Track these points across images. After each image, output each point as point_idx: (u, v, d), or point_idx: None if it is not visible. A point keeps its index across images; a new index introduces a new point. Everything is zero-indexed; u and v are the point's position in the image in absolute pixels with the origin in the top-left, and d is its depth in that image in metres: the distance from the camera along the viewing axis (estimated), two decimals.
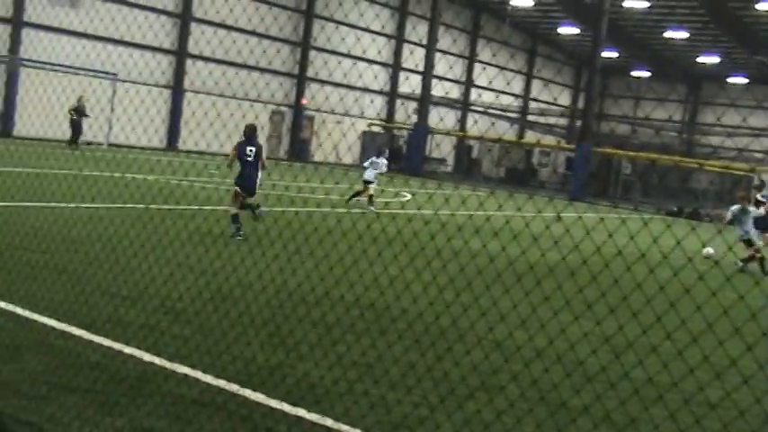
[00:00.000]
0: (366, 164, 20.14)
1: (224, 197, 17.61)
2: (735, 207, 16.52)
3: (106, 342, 6.25)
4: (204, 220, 12.87)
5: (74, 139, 29.64)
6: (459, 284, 7.53)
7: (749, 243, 16.22)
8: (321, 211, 15.96)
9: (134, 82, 34.49)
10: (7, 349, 5.83)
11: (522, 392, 5.95)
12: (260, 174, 13.40)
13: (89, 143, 30.25)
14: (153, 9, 37.18)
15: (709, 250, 16.25)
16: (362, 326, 7.29)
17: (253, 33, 37.94)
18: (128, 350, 6.12)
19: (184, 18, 39.36)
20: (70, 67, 31.56)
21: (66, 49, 31.53)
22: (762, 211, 18.22)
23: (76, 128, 30.17)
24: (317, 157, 44.58)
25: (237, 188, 12.97)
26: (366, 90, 46.97)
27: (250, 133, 13.32)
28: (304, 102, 45.05)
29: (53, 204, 12.95)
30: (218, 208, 14.88)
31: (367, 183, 19.24)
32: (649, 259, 6.27)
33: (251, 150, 13.12)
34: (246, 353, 6.27)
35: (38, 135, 29.16)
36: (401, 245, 9.37)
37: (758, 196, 20.63)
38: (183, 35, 39.50)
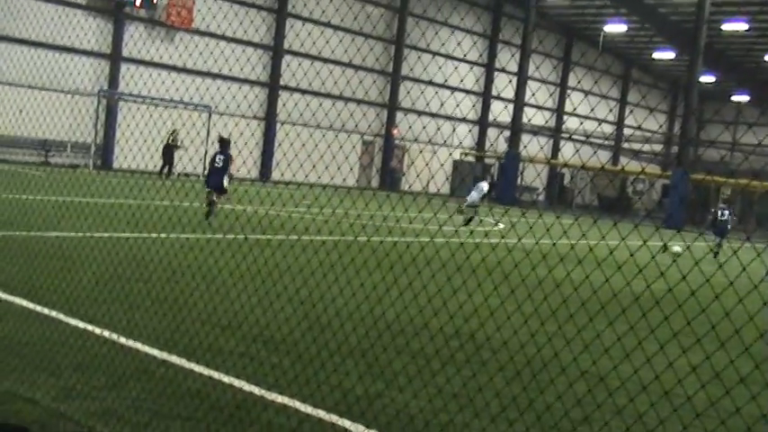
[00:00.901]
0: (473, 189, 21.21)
1: (321, 228, 17.74)
2: None
3: (205, 371, 6.27)
4: (303, 250, 12.96)
5: (164, 170, 30.36)
6: (562, 316, 7.32)
7: None
8: (419, 241, 15.89)
9: (228, 114, 35.31)
10: (111, 377, 5.90)
11: (627, 428, 5.70)
12: (226, 177, 16.81)
13: (186, 174, 31.04)
14: (247, 42, 38.10)
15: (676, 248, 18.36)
16: (462, 357, 7.15)
17: (345, 64, 38.43)
18: (226, 379, 6.13)
19: (277, 51, 40.21)
20: (167, 100, 32.57)
21: (163, 82, 32.57)
22: None
23: (169, 159, 30.92)
24: (409, 187, 44.69)
25: (206, 187, 16.60)
26: (457, 119, 46.97)
27: (222, 145, 17.06)
28: (394, 131, 45.30)
29: (153, 235, 13.25)
30: (315, 238, 14.98)
31: (471, 206, 20.44)
32: (763, 291, 5.96)
33: (220, 158, 16.86)
34: (345, 383, 6.21)
35: (136, 167, 30.07)
36: (501, 275, 9.19)
37: None
38: (276, 67, 40.33)
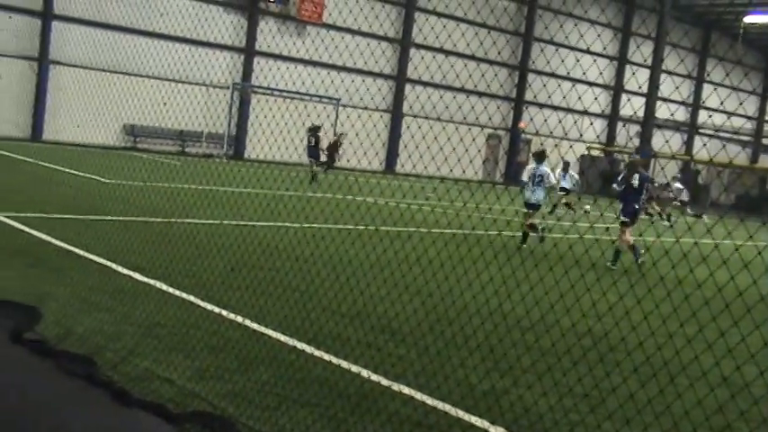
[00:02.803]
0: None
1: (439, 219, 17.70)
2: None
3: (333, 359, 6.35)
4: (420, 240, 12.96)
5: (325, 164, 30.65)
6: (684, 315, 7.03)
7: None
8: (536, 235, 15.62)
9: (356, 107, 35.70)
10: (242, 361, 6.06)
11: (750, 431, 5.43)
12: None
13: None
14: (374, 36, 38.41)
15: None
16: (579, 353, 6.99)
17: (471, 57, 38.16)
18: (346, 365, 6.19)
19: (404, 44, 40.37)
20: (296, 92, 33.22)
21: (292, 75, 33.26)
22: None
23: (331, 156, 31.34)
24: None
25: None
26: (585, 113, 45.94)
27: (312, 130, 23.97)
28: (521, 125, 44.76)
29: (280, 224, 13.54)
30: (433, 231, 14.95)
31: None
32: None
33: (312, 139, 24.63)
34: (471, 378, 6.16)
35: (266, 158, 30.82)
36: (621, 271, 8.90)
37: None
38: (403, 60, 40.50)
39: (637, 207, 14.25)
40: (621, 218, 14.10)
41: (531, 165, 15.78)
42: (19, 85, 30.51)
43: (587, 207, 25.28)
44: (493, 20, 40.34)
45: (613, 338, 7.23)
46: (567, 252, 10.34)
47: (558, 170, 19.49)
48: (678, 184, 29.73)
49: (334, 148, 31.08)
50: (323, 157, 27.82)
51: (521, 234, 15.68)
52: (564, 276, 6.89)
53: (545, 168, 15.39)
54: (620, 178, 14.76)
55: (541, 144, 16.77)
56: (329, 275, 9.44)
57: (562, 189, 24.21)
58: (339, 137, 31.23)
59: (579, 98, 42.10)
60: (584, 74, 41.88)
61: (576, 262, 7.62)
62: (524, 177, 15.50)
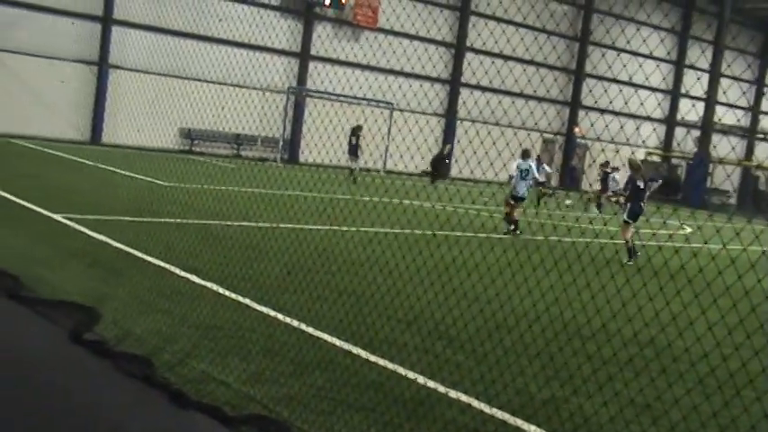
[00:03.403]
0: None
1: (498, 225, 17.55)
2: None
3: (388, 364, 6.31)
4: (478, 246, 12.84)
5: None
6: (750, 326, 6.82)
7: None
8: (599, 242, 15.39)
9: (410, 111, 35.65)
10: (297, 365, 6.04)
11: None
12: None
13: (367, 170, 31.63)
14: (429, 40, 38.32)
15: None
16: (641, 363, 6.83)
17: (527, 62, 37.87)
18: (403, 371, 6.14)
19: (459, 48, 40.21)
20: (351, 97, 33.29)
21: (348, 80, 33.34)
22: None
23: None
24: (590, 186, 43.50)
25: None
26: (643, 118, 45.23)
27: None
28: (577, 130, 44.26)
29: (335, 228, 13.55)
30: (491, 236, 14.83)
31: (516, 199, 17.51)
32: None
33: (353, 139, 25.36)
34: (530, 386, 6.07)
35: (321, 161, 30.96)
36: (684, 280, 8.63)
37: None
38: (458, 64, 40.34)
39: (641, 206, 15.25)
40: (624, 218, 15.19)
41: (518, 160, 17.72)
42: (79, 89, 31.11)
43: (568, 202, 27.27)
44: (552, 24, 40.00)
45: (677, 349, 7.05)
46: (613, 257, 10.14)
47: (533, 163, 19.42)
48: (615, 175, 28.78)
49: (440, 160, 31.14)
50: (360, 158, 28.75)
51: (505, 220, 17.40)
52: (626, 285, 6.75)
53: (531, 163, 17.73)
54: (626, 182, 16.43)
55: (602, 150, 17.68)
56: (385, 280, 9.39)
57: (538, 183, 25.83)
58: (445, 148, 31.40)
59: (637, 103, 41.44)
60: (643, 78, 41.25)
61: (638, 270, 7.45)
62: (512, 171, 17.75)
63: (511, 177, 17.81)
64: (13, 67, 29.26)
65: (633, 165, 15.79)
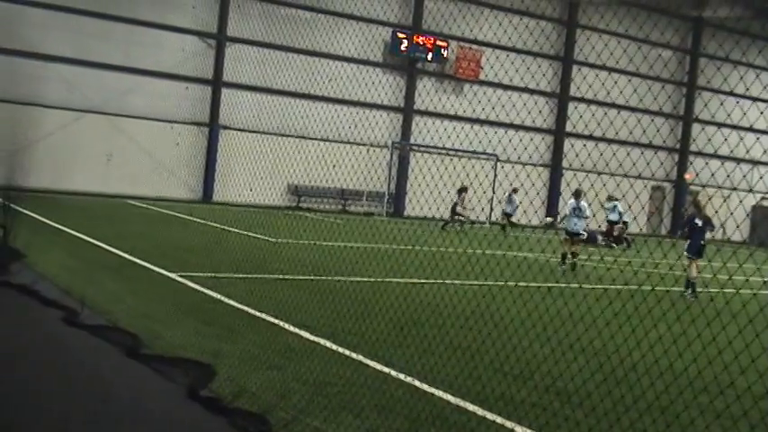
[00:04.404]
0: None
1: (616, 278, 17.11)
2: None
3: (499, 419, 6.19)
4: (584, 297, 12.53)
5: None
6: None
7: None
8: (723, 292, 14.80)
9: (514, 162, 35.51)
10: (412, 422, 5.99)
11: None
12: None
13: (472, 222, 31.51)
14: (532, 90, 38.22)
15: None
16: (756, 416, 6.53)
17: (631, 109, 37.23)
18: (520, 429, 6.00)
19: (563, 97, 39.96)
20: (455, 149, 33.41)
21: (451, 133, 33.52)
22: None
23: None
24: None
25: None
26: (755, 162, 43.71)
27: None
28: (687, 177, 43.12)
29: (441, 281, 13.49)
30: (610, 287, 14.45)
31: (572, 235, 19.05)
32: None
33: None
34: None
35: (426, 215, 31.04)
36: None
37: None
38: (562, 114, 40.06)
39: (702, 243, 16.15)
40: (686, 254, 16.09)
41: (571, 200, 19.54)
42: (191, 150, 32.32)
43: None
44: (658, 69, 39.39)
45: None
46: (740, 309, 9.74)
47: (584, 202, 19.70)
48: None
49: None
50: (456, 216, 29.62)
51: (560, 257, 18.57)
52: (738, 335, 6.48)
53: (583, 203, 19.37)
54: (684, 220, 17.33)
55: (709, 198, 17.85)
56: (491, 333, 9.27)
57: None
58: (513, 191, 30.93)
59: (747, 148, 39.98)
60: (753, 122, 39.95)
61: (750, 321, 7.12)
62: (566, 211, 19.48)
63: (564, 216, 19.59)
64: (130, 131, 30.68)
65: (697, 203, 16.73)
